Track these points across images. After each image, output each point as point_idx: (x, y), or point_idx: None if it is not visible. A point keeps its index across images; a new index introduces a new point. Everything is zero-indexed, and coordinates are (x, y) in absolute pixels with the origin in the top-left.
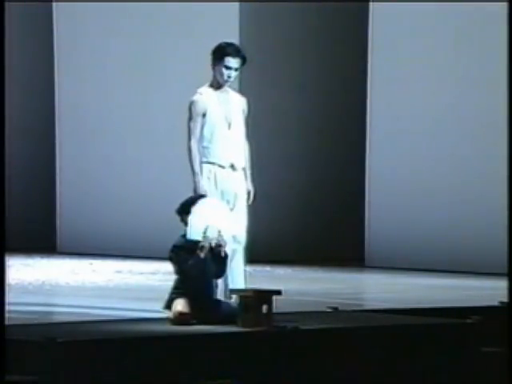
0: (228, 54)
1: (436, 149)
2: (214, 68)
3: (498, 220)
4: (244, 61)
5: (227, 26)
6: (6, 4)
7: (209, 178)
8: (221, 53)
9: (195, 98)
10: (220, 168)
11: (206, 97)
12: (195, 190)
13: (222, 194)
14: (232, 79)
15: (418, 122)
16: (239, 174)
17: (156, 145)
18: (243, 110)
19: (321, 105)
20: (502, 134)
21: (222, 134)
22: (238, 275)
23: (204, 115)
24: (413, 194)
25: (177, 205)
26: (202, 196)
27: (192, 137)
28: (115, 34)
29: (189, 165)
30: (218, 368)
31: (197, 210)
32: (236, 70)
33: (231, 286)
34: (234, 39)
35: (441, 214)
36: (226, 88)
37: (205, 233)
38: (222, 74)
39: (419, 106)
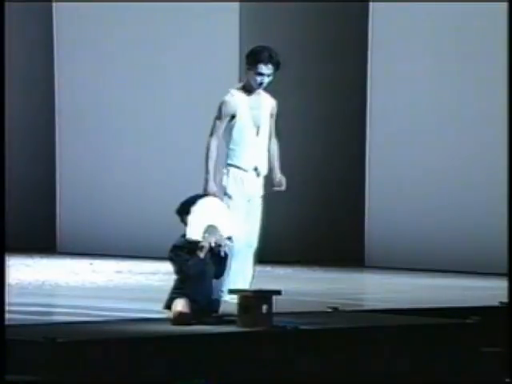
0: (261, 61)
1: (436, 149)
2: (246, 72)
3: (498, 220)
4: (277, 66)
5: (227, 26)
6: (6, 4)
7: (235, 180)
8: (254, 58)
9: (227, 98)
10: (244, 172)
11: (237, 99)
12: (205, 189)
13: (244, 196)
14: (264, 85)
15: (417, 123)
16: (260, 180)
17: (156, 145)
18: (271, 114)
19: (320, 105)
20: (502, 135)
21: (249, 139)
22: (246, 278)
23: (233, 117)
24: (412, 194)
25: (177, 205)
26: (202, 196)
27: (214, 135)
28: (115, 34)
29: (187, 165)
30: (218, 368)
31: (197, 210)
32: (269, 75)
33: (235, 287)
34: (234, 39)
35: (441, 214)
36: (257, 90)
37: (204, 233)
38: (254, 80)
39: (419, 106)
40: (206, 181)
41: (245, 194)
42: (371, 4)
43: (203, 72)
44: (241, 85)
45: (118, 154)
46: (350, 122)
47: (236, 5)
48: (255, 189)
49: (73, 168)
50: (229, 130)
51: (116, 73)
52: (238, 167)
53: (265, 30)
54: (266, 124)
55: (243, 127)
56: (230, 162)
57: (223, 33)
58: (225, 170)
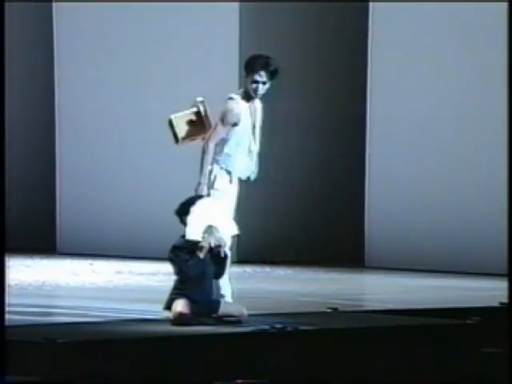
0: (254, 69)
1: (436, 149)
2: (245, 80)
3: (498, 220)
4: (274, 74)
5: (227, 26)
6: (6, 4)
7: (223, 182)
8: (249, 66)
9: (231, 106)
10: (232, 180)
11: (241, 106)
12: (197, 190)
13: (220, 196)
14: (260, 92)
15: (418, 123)
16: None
17: (156, 145)
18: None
19: (320, 105)
20: (501, 135)
21: (246, 147)
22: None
23: (234, 125)
24: (412, 194)
25: (176, 205)
26: (201, 196)
27: (214, 140)
28: (115, 34)
29: (187, 166)
30: (218, 368)
31: (196, 210)
32: (264, 83)
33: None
34: (234, 39)
35: (440, 215)
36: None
37: (204, 233)
38: (251, 88)
39: (419, 107)
40: (201, 184)
41: (226, 195)
42: (371, 4)
43: (203, 72)
44: (241, 91)
45: (118, 154)
46: (350, 122)
47: (236, 5)
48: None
49: (73, 168)
50: (226, 135)
51: (116, 73)
52: (228, 172)
53: (265, 30)
54: (259, 131)
55: (242, 135)
56: (223, 166)
57: (223, 33)
58: (215, 170)
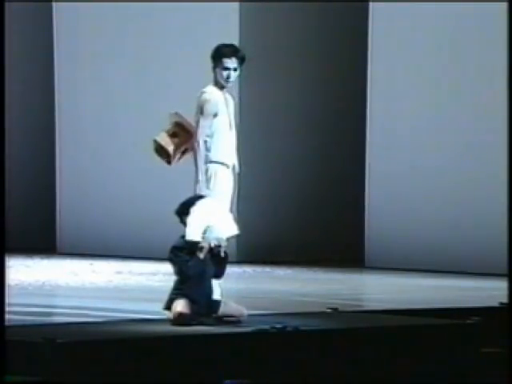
0: (224, 56)
1: (436, 149)
2: (214, 70)
3: (498, 220)
4: (242, 60)
5: (227, 26)
6: (6, 4)
7: (216, 177)
8: (218, 54)
9: (208, 96)
10: (227, 168)
11: (216, 96)
12: (195, 189)
13: (220, 193)
14: (232, 79)
15: (418, 122)
16: (233, 174)
17: None
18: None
19: (320, 105)
20: (501, 135)
21: (227, 136)
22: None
23: (215, 115)
24: (412, 194)
25: (176, 205)
26: (201, 197)
27: (202, 135)
28: (115, 33)
29: (187, 165)
30: (217, 368)
31: (196, 210)
32: (235, 70)
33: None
34: (234, 39)
35: (440, 215)
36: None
37: (204, 233)
38: (221, 75)
39: (419, 106)
40: (200, 181)
41: (219, 191)
42: (371, 4)
43: (203, 72)
44: (210, 84)
45: (118, 154)
46: (350, 122)
47: (236, 5)
48: (231, 184)
49: (73, 168)
50: (210, 128)
51: (116, 73)
52: (221, 163)
53: (265, 30)
54: (234, 123)
55: (223, 124)
56: (213, 159)
57: (223, 33)
58: (212, 168)
